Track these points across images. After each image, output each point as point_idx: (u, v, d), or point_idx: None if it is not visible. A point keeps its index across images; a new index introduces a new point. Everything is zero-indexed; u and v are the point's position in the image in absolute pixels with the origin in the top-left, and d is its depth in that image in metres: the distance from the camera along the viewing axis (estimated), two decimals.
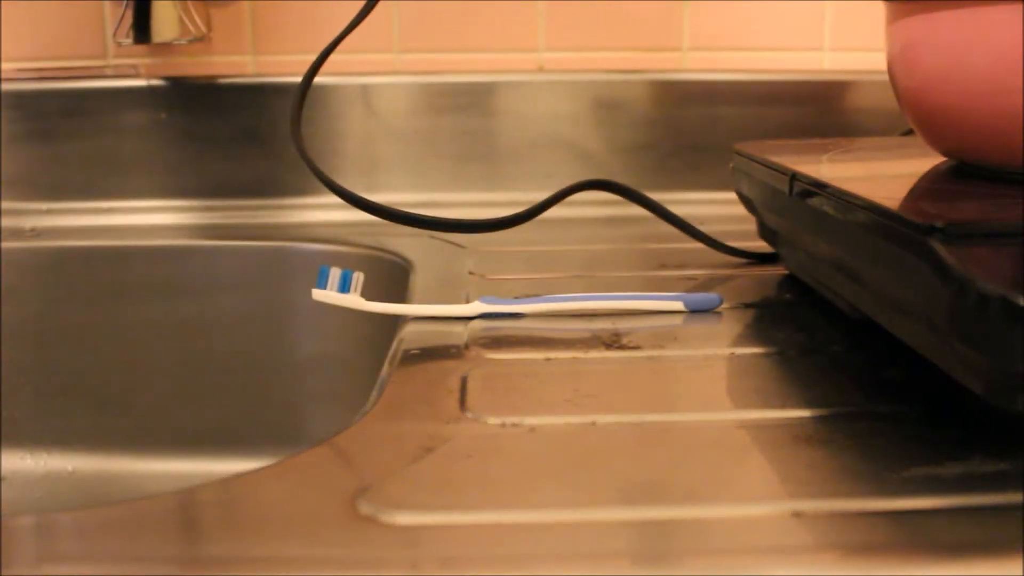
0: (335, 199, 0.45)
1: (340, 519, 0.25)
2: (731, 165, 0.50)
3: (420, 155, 0.68)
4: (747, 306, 0.43)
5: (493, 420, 0.31)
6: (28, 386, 0.61)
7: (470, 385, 0.34)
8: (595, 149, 0.69)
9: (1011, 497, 0.25)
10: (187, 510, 0.26)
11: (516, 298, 0.42)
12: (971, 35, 0.33)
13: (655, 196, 0.54)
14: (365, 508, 0.25)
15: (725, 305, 0.43)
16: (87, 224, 0.66)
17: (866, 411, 0.31)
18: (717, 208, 0.61)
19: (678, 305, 0.42)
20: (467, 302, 0.43)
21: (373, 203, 0.45)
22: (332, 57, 0.48)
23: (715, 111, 0.68)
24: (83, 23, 0.69)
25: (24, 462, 0.61)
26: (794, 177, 0.39)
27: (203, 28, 0.66)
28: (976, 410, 0.31)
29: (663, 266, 0.51)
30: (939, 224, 0.27)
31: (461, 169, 0.68)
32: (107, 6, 0.69)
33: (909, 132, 0.51)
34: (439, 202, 0.68)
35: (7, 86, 0.67)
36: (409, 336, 0.39)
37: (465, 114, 0.68)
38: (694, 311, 0.42)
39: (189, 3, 0.65)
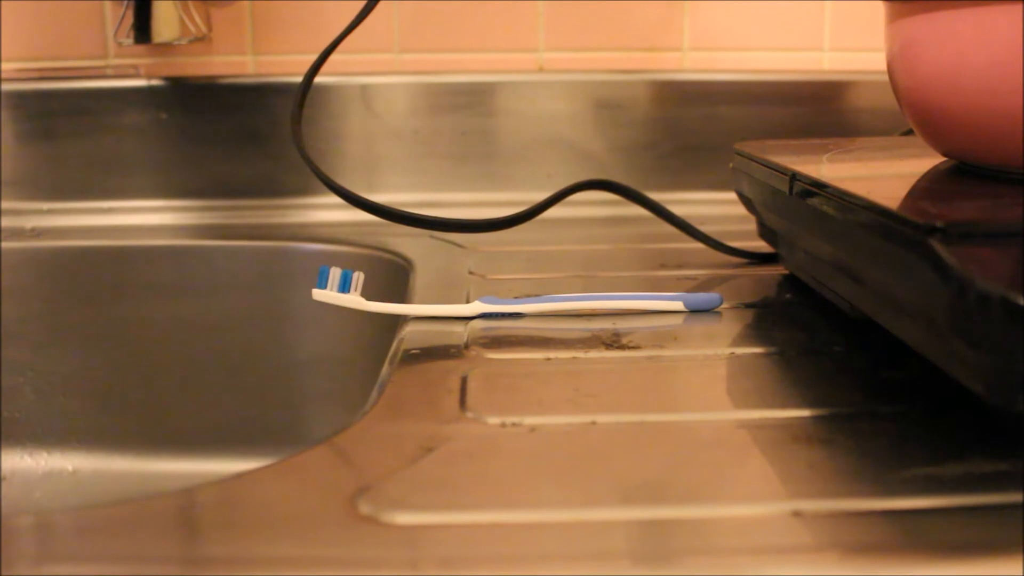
0: (335, 199, 0.45)
1: (340, 519, 0.25)
2: (731, 165, 0.50)
3: (420, 155, 0.68)
4: (747, 306, 0.43)
5: (493, 420, 0.31)
6: (28, 386, 0.61)
7: (470, 385, 0.34)
8: (595, 149, 0.69)
9: (1011, 497, 0.25)
10: (187, 510, 0.26)
11: (516, 298, 0.42)
12: (971, 35, 0.33)
13: (655, 196, 0.54)
14: (365, 508, 0.25)
15: (725, 305, 0.43)
16: (87, 224, 0.66)
17: (866, 411, 0.31)
18: (717, 208, 0.61)
19: (678, 305, 0.42)
20: (467, 302, 0.43)
21: (373, 203, 0.45)
22: (332, 57, 0.48)
23: (715, 111, 0.68)
24: (83, 23, 0.69)
25: (24, 462, 0.61)
26: (794, 177, 0.39)
27: (203, 28, 0.66)
28: (976, 410, 0.31)
29: (663, 266, 0.51)
30: (939, 224, 0.27)
31: (461, 169, 0.68)
32: (107, 6, 0.69)
33: (909, 132, 0.51)
34: (439, 202, 0.68)
35: (7, 86, 0.67)
36: (409, 336, 0.39)
37: (465, 114, 0.68)
38: (694, 311, 0.42)
39: (189, 3, 0.65)
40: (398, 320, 0.42)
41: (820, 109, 0.69)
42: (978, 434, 0.29)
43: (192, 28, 0.65)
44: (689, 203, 0.63)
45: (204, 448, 0.61)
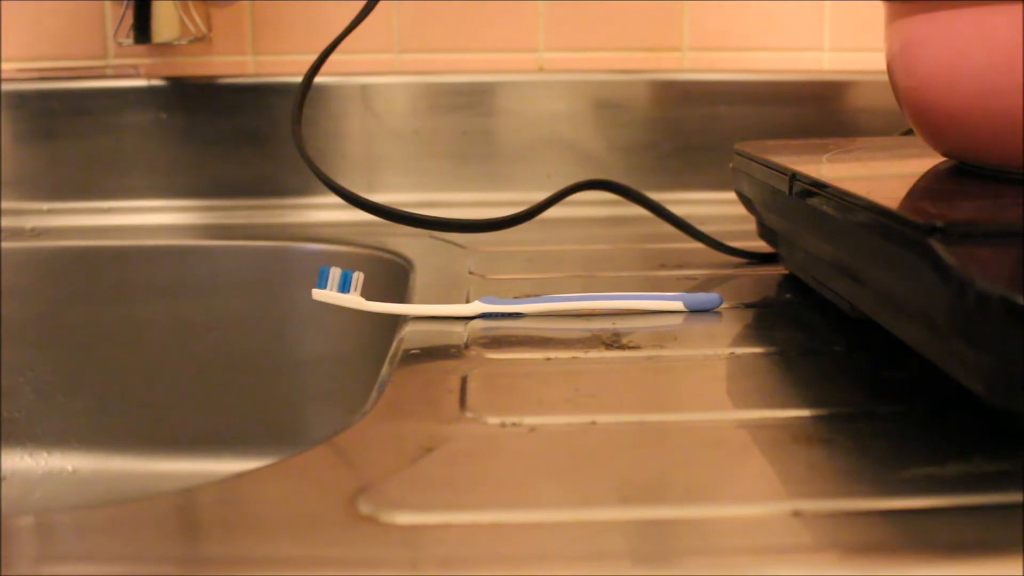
0: (335, 199, 0.45)
1: (340, 519, 0.25)
2: (731, 165, 0.50)
3: (420, 155, 0.68)
4: (747, 306, 0.43)
5: (493, 420, 0.31)
6: (28, 386, 0.61)
7: (470, 385, 0.34)
8: (595, 149, 0.69)
9: (1011, 497, 0.25)
10: (187, 510, 0.26)
11: (516, 298, 0.42)
12: (971, 35, 0.33)
13: (655, 196, 0.54)
14: (365, 508, 0.25)
15: (725, 305, 0.43)
16: (87, 224, 0.66)
17: (866, 411, 0.31)
18: (717, 208, 0.61)
19: (678, 305, 0.42)
20: (467, 302, 0.43)
21: (373, 203, 0.45)
22: (332, 57, 0.48)
23: (715, 111, 0.68)
24: (83, 23, 0.69)
25: (24, 462, 0.61)
26: (794, 177, 0.39)
27: (203, 28, 0.66)
28: (976, 410, 0.31)
29: (663, 266, 0.51)
30: (939, 224, 0.27)
31: (461, 169, 0.68)
32: (107, 6, 0.69)
33: (909, 132, 0.51)
34: (439, 202, 0.68)
35: (8, 86, 0.67)
36: (409, 336, 0.39)
37: (465, 114, 0.68)
38: (694, 311, 0.42)
39: (189, 3, 0.65)
40: (398, 320, 0.42)
41: (820, 109, 0.69)
42: (978, 434, 0.29)
43: (192, 28, 0.65)
44: (689, 203, 0.63)
45: (204, 448, 0.61)
